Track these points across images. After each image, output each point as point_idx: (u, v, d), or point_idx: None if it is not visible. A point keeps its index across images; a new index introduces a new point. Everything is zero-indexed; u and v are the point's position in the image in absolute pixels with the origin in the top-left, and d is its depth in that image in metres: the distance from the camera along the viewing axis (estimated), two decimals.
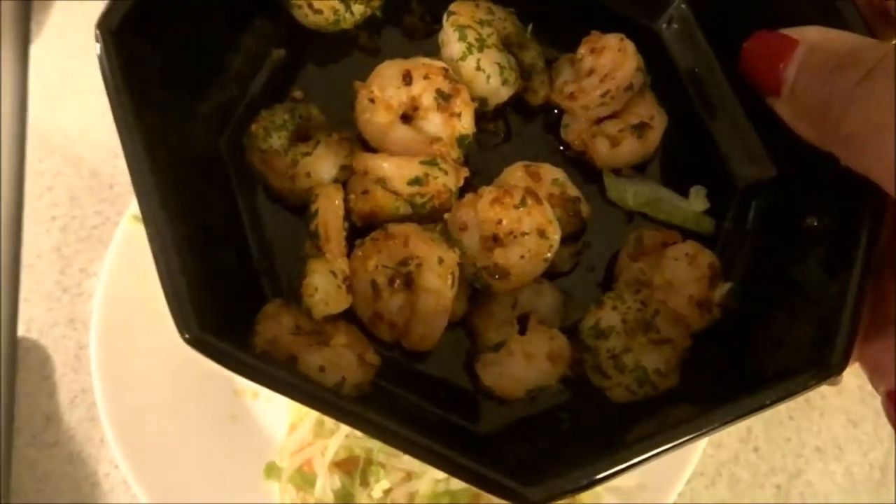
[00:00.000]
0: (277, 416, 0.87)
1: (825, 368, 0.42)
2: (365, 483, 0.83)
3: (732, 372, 0.50)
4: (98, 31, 0.43)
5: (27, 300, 0.93)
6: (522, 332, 0.52)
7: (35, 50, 1.03)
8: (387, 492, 0.83)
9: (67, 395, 0.90)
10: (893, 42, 0.49)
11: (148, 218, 0.40)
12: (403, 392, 0.51)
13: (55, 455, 0.88)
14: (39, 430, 0.88)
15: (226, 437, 0.86)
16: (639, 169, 0.58)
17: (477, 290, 0.52)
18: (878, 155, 0.41)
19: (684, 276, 0.52)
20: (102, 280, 0.83)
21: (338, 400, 0.39)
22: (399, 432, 0.39)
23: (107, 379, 0.82)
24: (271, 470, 0.85)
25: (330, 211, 0.48)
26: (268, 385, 0.38)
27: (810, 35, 0.46)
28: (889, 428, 0.46)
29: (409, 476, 0.82)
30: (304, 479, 0.83)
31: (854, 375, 0.88)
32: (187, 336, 0.38)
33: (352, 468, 0.83)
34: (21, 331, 0.92)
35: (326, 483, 0.82)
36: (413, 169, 0.50)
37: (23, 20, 1.02)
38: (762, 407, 0.42)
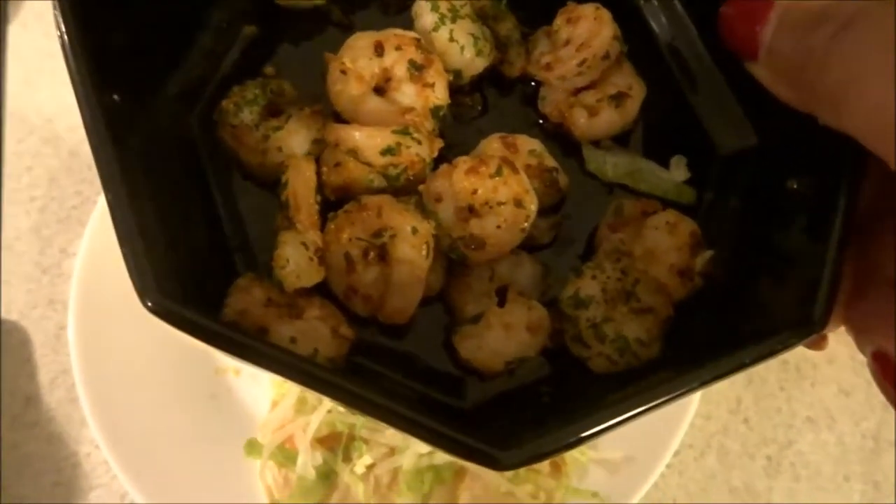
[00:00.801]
0: (259, 393, 0.87)
1: (808, 325, 0.41)
2: (347, 459, 0.82)
3: (716, 340, 0.49)
4: (56, 2, 0.42)
5: (6, 282, 0.92)
6: (501, 304, 0.51)
7: (12, 29, 1.02)
8: (370, 467, 0.82)
9: (47, 376, 0.89)
10: None
11: (109, 190, 0.39)
12: (381, 368, 0.50)
13: (35, 436, 0.87)
14: (20, 412, 0.88)
15: (206, 415, 0.85)
16: (618, 140, 0.58)
17: (454, 262, 0.51)
18: (856, 107, 0.40)
19: (665, 244, 0.52)
20: (80, 260, 0.82)
21: (310, 367, 0.38)
22: (372, 399, 0.37)
23: (86, 359, 0.81)
24: (252, 447, 0.84)
25: (300, 181, 0.47)
26: (234, 353, 0.37)
27: None
28: (881, 397, 0.45)
29: (392, 451, 0.81)
30: (285, 455, 0.82)
31: (845, 345, 0.87)
32: (149, 303, 0.37)
33: (334, 444, 0.83)
34: (1, 312, 0.91)
35: (308, 459, 0.80)
36: (385, 138, 0.49)
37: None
38: (741, 366, 0.41)
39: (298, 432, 0.81)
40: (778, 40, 0.45)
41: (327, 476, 0.83)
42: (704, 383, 0.40)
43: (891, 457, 0.95)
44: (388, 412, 0.37)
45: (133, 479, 0.79)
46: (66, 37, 0.41)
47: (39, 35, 1.02)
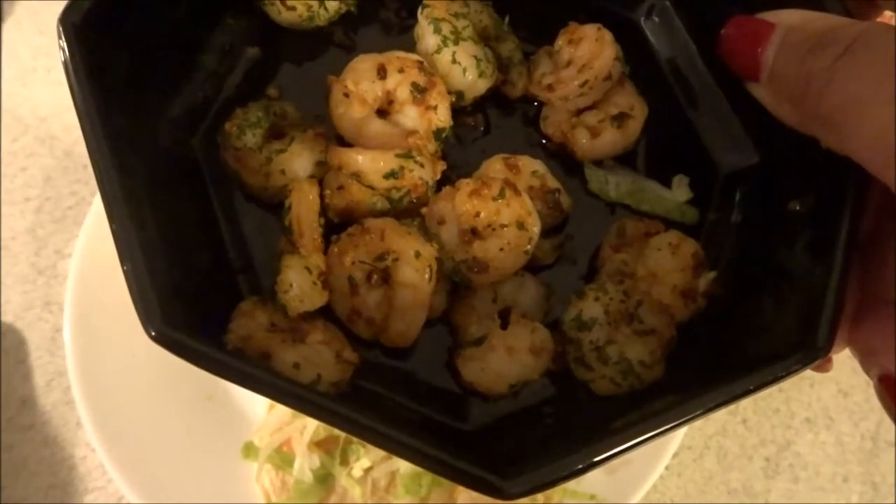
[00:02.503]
0: (256, 396, 0.86)
1: (812, 350, 0.41)
2: (345, 462, 0.82)
3: (719, 362, 0.49)
4: (60, 27, 0.42)
5: (2, 284, 0.92)
6: (504, 326, 0.51)
7: (6, 27, 1.01)
8: (367, 471, 0.81)
9: (43, 378, 0.89)
10: (870, 20, 0.48)
11: (113, 216, 0.39)
12: (384, 391, 0.50)
13: (31, 438, 0.87)
14: (15, 414, 0.87)
15: (202, 417, 0.84)
16: (620, 159, 0.58)
17: (457, 284, 0.51)
18: (858, 131, 0.40)
19: (668, 265, 0.52)
20: (75, 262, 0.82)
21: (312, 395, 0.38)
22: (373, 427, 0.38)
23: (81, 361, 0.80)
24: (249, 450, 0.83)
25: (303, 205, 0.47)
26: (238, 381, 0.37)
27: (787, 18, 0.46)
28: None
29: (390, 455, 0.80)
30: (282, 458, 0.82)
31: None
32: (153, 332, 0.37)
33: (332, 447, 0.82)
34: None
35: (305, 462, 0.80)
36: (388, 162, 0.49)
37: None
38: (746, 393, 0.41)
39: (296, 435, 0.81)
40: (780, 63, 0.45)
41: (324, 479, 0.82)
42: (709, 410, 0.40)
43: (889, 457, 0.95)
44: (389, 440, 0.37)
45: (129, 482, 0.78)
46: (70, 64, 0.41)
47: (34, 33, 1.01)
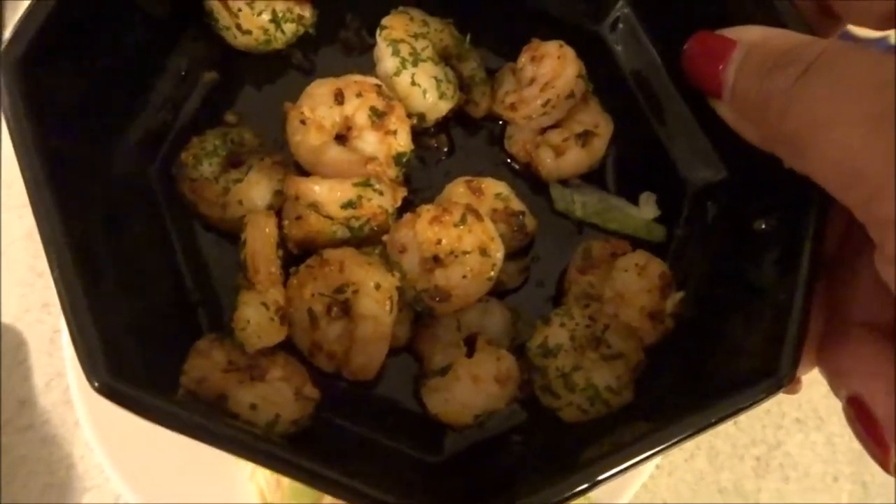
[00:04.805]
0: None
1: (775, 380, 0.40)
2: None
3: (688, 384, 0.48)
4: (1, 63, 0.41)
5: (1, 286, 0.91)
6: (470, 353, 0.50)
7: (8, 35, 1.00)
8: None
9: (42, 379, 0.89)
10: (831, 38, 0.47)
11: (54, 264, 0.38)
12: (349, 423, 0.49)
13: (29, 439, 0.87)
14: (14, 415, 0.87)
15: None
16: (587, 177, 0.57)
17: (421, 312, 0.50)
18: (818, 154, 0.39)
19: (634, 287, 0.51)
20: None
21: (264, 446, 0.37)
22: (330, 477, 0.36)
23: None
24: None
25: (259, 240, 0.46)
26: (189, 434, 0.36)
27: (749, 35, 0.45)
28: None
29: None
30: None
31: None
32: (95, 384, 0.35)
33: None
34: None
35: None
36: (346, 192, 0.48)
37: None
38: (709, 425, 0.40)
39: None
40: (741, 81, 0.44)
41: None
42: (672, 444, 0.40)
43: None
44: (349, 491, 0.36)
45: (126, 481, 0.78)
46: (9, 106, 0.40)
47: None
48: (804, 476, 0.94)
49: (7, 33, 0.42)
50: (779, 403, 0.95)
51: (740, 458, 0.94)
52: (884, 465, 0.41)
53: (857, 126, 0.37)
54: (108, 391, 0.36)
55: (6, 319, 0.91)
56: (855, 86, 0.38)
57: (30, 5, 0.42)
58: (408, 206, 0.52)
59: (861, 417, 0.42)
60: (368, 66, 0.55)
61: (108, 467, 0.78)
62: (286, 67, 0.57)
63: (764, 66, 0.43)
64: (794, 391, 0.46)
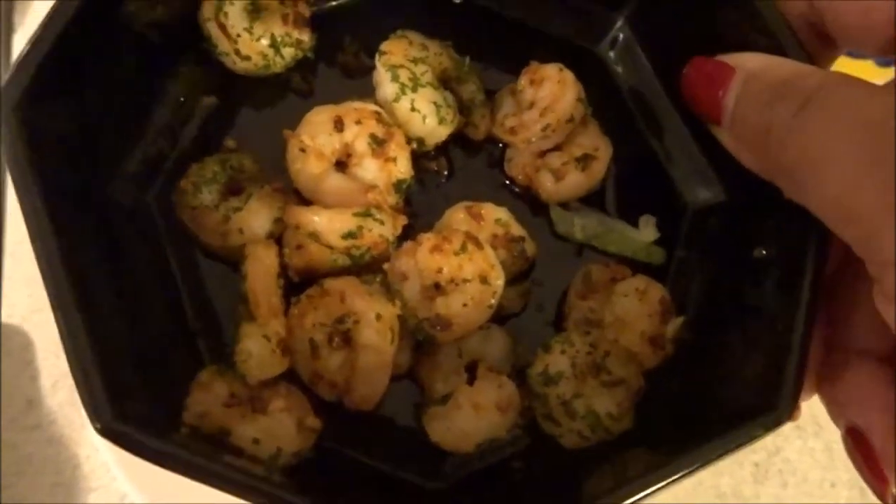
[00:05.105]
0: None
1: (775, 416, 0.41)
2: None
3: (688, 411, 0.49)
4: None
5: (9, 286, 0.91)
6: (471, 380, 0.50)
7: (18, 40, 0.98)
8: None
9: (49, 379, 0.89)
10: (829, 68, 0.47)
11: (56, 303, 0.38)
12: (351, 451, 0.49)
13: (36, 438, 0.87)
14: (21, 414, 0.88)
15: None
16: (587, 200, 0.57)
17: (422, 340, 0.50)
18: (817, 188, 0.39)
19: (635, 312, 0.51)
20: None
21: (267, 487, 0.37)
22: None
23: None
24: None
25: (259, 273, 0.46)
26: (191, 476, 0.37)
27: (748, 62, 0.45)
28: None
29: None
30: None
31: None
32: (98, 426, 0.36)
33: None
34: (3, 316, 0.91)
35: None
36: (346, 222, 0.48)
37: (5, 10, 0.99)
38: (708, 462, 0.40)
39: None
40: (740, 110, 0.44)
41: None
42: (666, 484, 0.40)
43: None
44: None
45: (132, 480, 0.78)
46: (10, 148, 0.40)
47: None
48: (802, 482, 0.95)
49: (5, 74, 0.41)
50: None
51: (739, 463, 0.95)
52: (881, 498, 0.41)
53: (854, 164, 0.37)
54: (112, 434, 0.36)
55: (14, 320, 0.91)
56: (852, 122, 0.38)
57: (28, 43, 0.42)
58: (408, 230, 0.52)
59: (859, 448, 0.42)
60: (368, 89, 0.55)
61: (113, 467, 0.79)
62: (285, 91, 0.57)
63: (762, 97, 0.43)
64: (794, 418, 0.46)
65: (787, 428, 0.95)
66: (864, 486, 1.02)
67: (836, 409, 0.45)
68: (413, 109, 0.52)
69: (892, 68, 0.69)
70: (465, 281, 0.48)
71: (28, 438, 0.87)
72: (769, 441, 0.95)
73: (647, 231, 0.56)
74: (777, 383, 0.41)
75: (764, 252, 0.49)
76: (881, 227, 0.36)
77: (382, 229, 0.49)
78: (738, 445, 0.40)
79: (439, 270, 0.48)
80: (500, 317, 0.53)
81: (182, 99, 0.55)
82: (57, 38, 0.44)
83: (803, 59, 0.45)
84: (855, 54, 0.78)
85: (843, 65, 0.52)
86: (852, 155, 0.37)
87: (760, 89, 0.43)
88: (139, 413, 0.39)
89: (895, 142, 0.36)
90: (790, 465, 0.95)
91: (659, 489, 0.39)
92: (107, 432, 0.36)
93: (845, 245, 0.46)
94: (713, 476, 0.93)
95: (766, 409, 0.41)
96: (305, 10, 0.56)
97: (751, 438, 0.40)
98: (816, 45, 0.48)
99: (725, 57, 0.46)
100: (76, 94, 0.48)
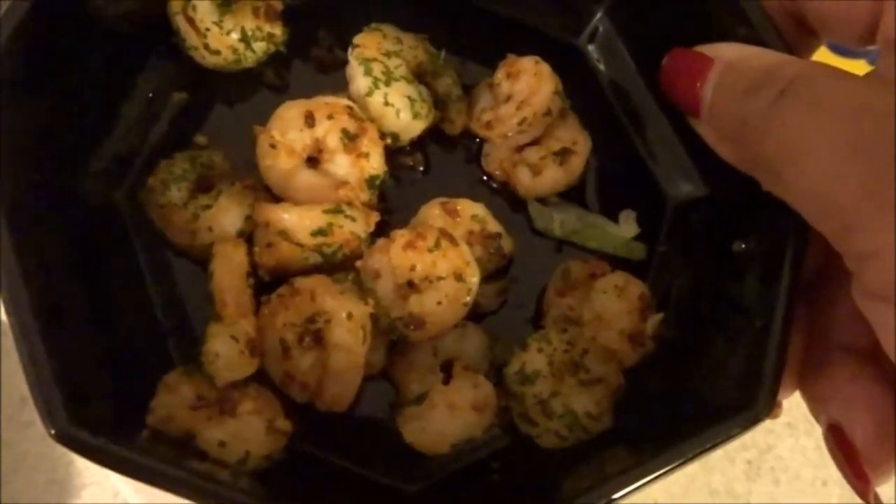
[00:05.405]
0: None
1: (753, 413, 0.40)
2: None
3: (667, 409, 0.48)
4: None
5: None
6: (447, 379, 0.49)
7: None
8: None
9: None
10: (807, 59, 0.46)
11: (10, 308, 0.37)
12: (324, 453, 0.48)
13: (31, 435, 0.87)
14: (16, 411, 0.88)
15: None
16: (566, 194, 0.56)
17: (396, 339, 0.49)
18: (794, 180, 0.38)
19: (614, 309, 0.50)
20: None
21: (230, 494, 0.36)
22: None
23: None
24: None
25: (226, 272, 0.45)
26: (151, 482, 0.35)
27: (726, 53, 0.44)
28: None
29: None
30: None
31: None
32: (52, 431, 0.34)
33: None
34: None
35: None
36: (316, 219, 0.47)
37: None
38: (686, 461, 0.40)
39: None
40: (718, 101, 0.43)
41: None
42: (649, 482, 0.39)
43: None
44: None
45: (125, 478, 0.78)
46: None
47: None
48: (794, 479, 0.95)
49: None
50: None
51: (731, 461, 0.94)
52: (862, 496, 0.40)
53: (831, 155, 0.36)
54: (68, 440, 0.35)
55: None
56: (829, 112, 0.37)
57: None
58: (383, 227, 0.51)
59: (840, 446, 0.42)
60: (342, 84, 0.54)
61: None
62: (258, 86, 0.56)
63: (739, 87, 0.42)
64: (774, 416, 0.46)
65: (780, 426, 0.95)
66: None
67: (817, 406, 0.44)
68: (387, 104, 0.51)
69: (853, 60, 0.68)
70: (440, 278, 0.47)
71: (22, 436, 0.87)
72: (761, 439, 0.95)
73: (627, 226, 0.55)
74: (755, 382, 0.40)
75: (743, 246, 0.48)
76: (858, 219, 0.35)
77: (354, 226, 0.48)
78: (717, 444, 0.40)
79: (413, 268, 0.47)
80: (477, 314, 0.52)
81: (152, 94, 0.54)
82: (16, 30, 0.42)
83: (782, 50, 0.44)
84: (840, 51, 0.77)
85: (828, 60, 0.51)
86: (830, 145, 0.36)
87: (737, 80, 0.42)
88: (102, 416, 0.38)
89: (873, 132, 0.35)
90: (782, 462, 0.95)
91: (637, 488, 0.39)
92: (62, 438, 0.35)
93: (826, 240, 0.46)
94: (705, 473, 0.93)
95: (745, 407, 0.40)
96: (278, 4, 0.54)
97: (729, 436, 0.40)
98: (797, 35, 0.47)
99: (704, 48, 0.45)
100: (40, 86, 0.46)
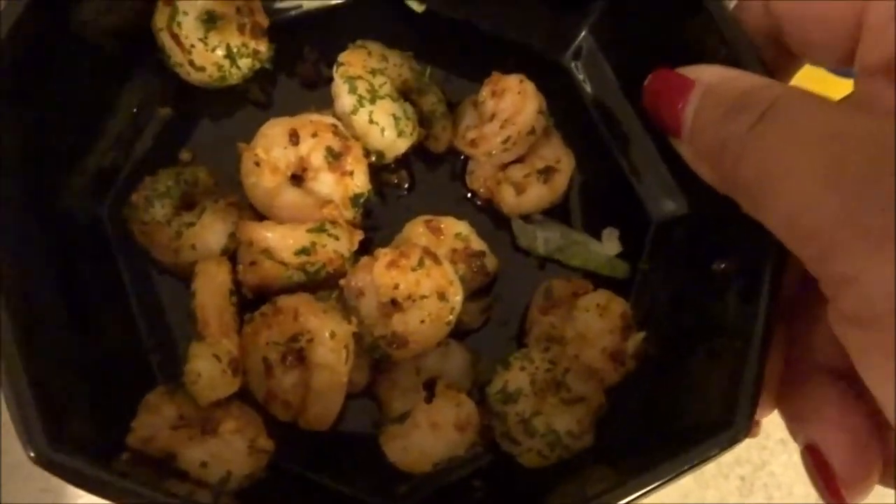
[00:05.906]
0: None
1: (731, 434, 0.40)
2: None
3: (650, 427, 0.48)
4: None
5: None
6: (430, 398, 0.49)
7: None
8: None
9: None
10: (786, 83, 0.47)
11: None
12: (307, 472, 0.48)
13: None
14: (9, 420, 0.88)
15: None
16: (550, 212, 0.56)
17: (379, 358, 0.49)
18: (772, 204, 0.38)
19: (596, 327, 0.50)
20: None
21: None
22: None
23: None
24: None
25: (209, 291, 0.45)
26: None
27: (707, 75, 0.44)
28: None
29: None
30: None
31: None
32: (32, 454, 0.34)
33: None
34: None
35: None
36: (299, 238, 0.47)
37: None
38: (665, 482, 0.40)
39: None
40: (698, 123, 0.44)
41: None
42: (629, 502, 0.39)
43: None
44: None
45: None
46: None
47: None
48: (787, 495, 0.95)
49: None
50: (764, 424, 0.96)
51: (725, 476, 0.95)
52: None
53: (808, 181, 0.36)
54: (46, 463, 0.35)
55: None
56: (806, 138, 0.37)
57: None
58: (367, 244, 0.52)
59: (817, 466, 0.42)
60: (328, 101, 0.54)
61: None
62: (243, 102, 0.56)
63: (718, 110, 0.42)
64: (753, 435, 0.46)
65: (773, 442, 0.96)
66: None
67: (795, 426, 0.45)
68: (371, 122, 0.51)
69: (851, 80, 0.68)
70: (423, 297, 0.47)
71: (17, 445, 0.87)
72: (755, 455, 0.96)
73: (610, 244, 0.55)
74: (734, 401, 0.40)
75: (723, 266, 0.49)
76: (834, 244, 0.35)
77: (337, 245, 0.48)
78: (696, 464, 0.40)
79: (396, 286, 0.47)
80: (460, 332, 0.52)
81: (135, 110, 0.54)
82: (4, 42, 0.42)
83: (762, 72, 0.45)
84: (840, 72, 0.78)
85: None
86: (807, 170, 0.36)
87: (717, 103, 0.43)
88: (81, 436, 0.38)
89: (850, 158, 0.35)
90: (775, 479, 0.96)
91: None
92: (42, 461, 0.35)
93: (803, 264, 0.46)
94: (700, 489, 0.94)
95: (725, 427, 0.40)
96: (263, 20, 0.54)
97: (708, 457, 0.40)
98: (777, 57, 0.47)
99: (686, 69, 0.46)
100: (25, 100, 0.46)
